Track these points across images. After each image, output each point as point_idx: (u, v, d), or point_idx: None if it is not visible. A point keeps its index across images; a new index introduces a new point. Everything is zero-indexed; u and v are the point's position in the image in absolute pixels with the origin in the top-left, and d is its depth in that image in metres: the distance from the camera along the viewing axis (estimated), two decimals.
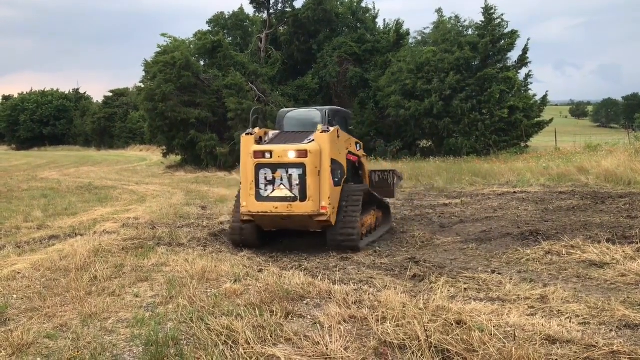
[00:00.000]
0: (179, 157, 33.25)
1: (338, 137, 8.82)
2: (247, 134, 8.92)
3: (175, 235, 9.69)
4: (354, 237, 8.42)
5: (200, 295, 5.78)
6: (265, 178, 8.41)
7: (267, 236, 9.23)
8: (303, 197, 8.19)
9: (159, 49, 30.87)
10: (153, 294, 6.08)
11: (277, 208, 8.30)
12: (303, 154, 8.25)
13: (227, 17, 36.97)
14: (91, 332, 4.83)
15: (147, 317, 5.23)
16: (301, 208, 8.21)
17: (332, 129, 8.62)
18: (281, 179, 8.34)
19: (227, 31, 36.67)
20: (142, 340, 4.60)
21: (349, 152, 9.63)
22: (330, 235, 8.56)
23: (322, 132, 8.47)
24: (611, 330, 4.53)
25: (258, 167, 8.44)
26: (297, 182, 8.25)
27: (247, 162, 8.61)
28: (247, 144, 8.76)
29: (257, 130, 9.06)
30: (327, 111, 9.35)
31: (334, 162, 8.50)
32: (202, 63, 32.48)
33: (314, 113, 9.71)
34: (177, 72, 28.35)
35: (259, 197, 8.40)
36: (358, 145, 10.39)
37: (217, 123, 29.61)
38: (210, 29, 36.04)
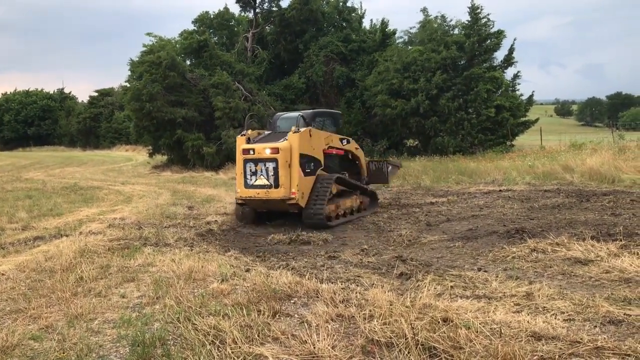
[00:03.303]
0: (165, 157, 33.12)
1: (311, 136, 11.00)
2: (242, 135, 11.43)
3: (161, 235, 9.65)
4: (321, 217, 10.59)
5: (187, 295, 5.75)
6: (250, 170, 10.94)
7: (263, 216, 11.52)
8: (277, 185, 10.62)
9: (144, 49, 30.74)
10: (139, 294, 6.05)
11: (258, 194, 10.85)
12: (275, 150, 10.64)
13: (212, 16, 36.84)
14: (77, 333, 4.79)
15: (133, 317, 5.20)
16: (275, 193, 10.64)
17: (302, 130, 10.88)
18: (261, 171, 10.80)
19: (213, 31, 36.56)
20: (129, 341, 4.58)
21: (330, 147, 11.81)
22: (303, 215, 10.79)
23: (294, 132, 10.74)
24: (595, 326, 4.57)
25: (245, 162, 10.99)
26: (272, 173, 10.66)
27: (239, 158, 11.10)
28: (240, 143, 11.22)
29: (249, 132, 11.56)
30: (302, 115, 11.78)
31: (304, 156, 10.78)
32: (188, 63, 32.37)
33: (309, 113, 11.97)
34: (163, 72, 28.23)
35: (246, 185, 10.99)
36: (345, 141, 12.52)
37: (204, 122, 29.51)
38: (195, 28, 35.90)
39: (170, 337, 4.64)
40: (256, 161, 10.81)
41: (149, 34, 31.66)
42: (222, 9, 36.93)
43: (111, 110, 65.47)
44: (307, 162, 10.87)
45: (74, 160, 41.98)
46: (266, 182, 10.70)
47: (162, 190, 18.73)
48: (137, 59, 30.95)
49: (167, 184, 21.56)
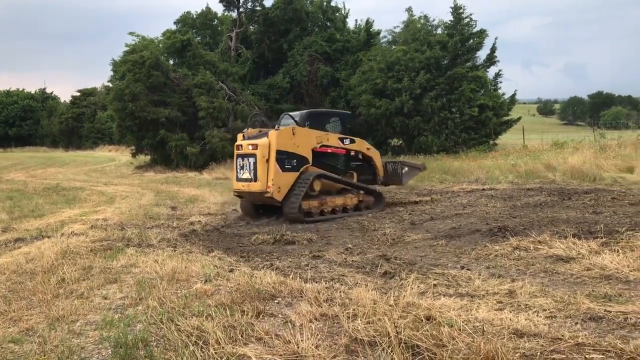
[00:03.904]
0: (148, 157, 32.94)
1: (294, 134, 11.54)
2: (242, 132, 12.39)
3: (144, 236, 9.58)
4: (294, 211, 11.23)
5: (170, 296, 5.71)
6: (239, 165, 11.83)
7: (261, 208, 12.25)
8: (255, 178, 11.38)
9: (127, 48, 30.53)
10: (122, 295, 5.99)
11: (244, 186, 11.72)
12: (255, 147, 11.39)
13: (194, 16, 36.67)
14: (58, 336, 4.74)
15: (116, 319, 5.15)
16: (254, 187, 11.44)
17: (282, 128, 11.55)
18: (246, 166, 11.59)
19: (196, 30, 36.40)
20: (111, 343, 4.53)
21: (324, 146, 12.25)
22: (283, 209, 11.44)
23: (274, 130, 11.39)
24: (576, 323, 4.60)
25: (237, 157, 11.93)
26: (252, 168, 11.41)
27: (235, 153, 12.08)
28: (238, 140, 12.17)
29: (249, 129, 12.39)
30: (290, 114, 12.39)
31: (283, 153, 11.33)
32: (171, 62, 32.22)
33: (299, 114, 12.51)
34: (146, 71, 28.08)
35: (237, 179, 11.96)
36: (347, 140, 12.97)
37: (187, 122, 29.39)
38: (178, 28, 35.73)
39: (153, 339, 4.61)
40: (243, 156, 11.67)
41: (131, 34, 31.54)
42: (204, 9, 36.79)
43: (94, 110, 64.96)
44: (286, 159, 11.38)
45: (56, 161, 41.55)
46: (249, 176, 11.53)
47: (145, 191, 18.62)
48: (120, 58, 30.72)
49: (150, 185, 21.42)
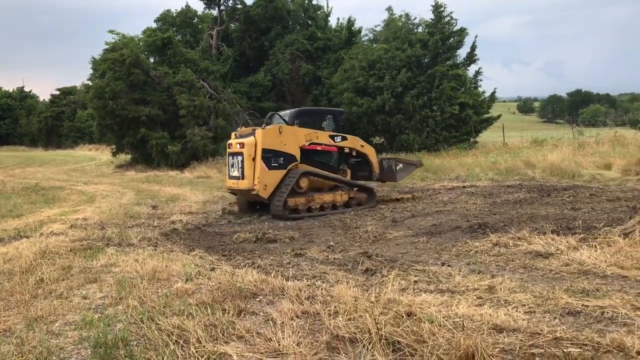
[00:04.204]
0: (129, 156, 32.68)
1: (280, 133, 11.78)
2: (234, 132, 12.80)
3: (125, 235, 9.51)
4: (279, 208, 11.45)
5: (151, 295, 5.68)
6: (230, 163, 12.20)
7: (258, 204, 12.45)
8: (243, 176, 11.68)
9: (107, 46, 30.25)
10: (102, 295, 5.94)
11: (234, 184, 12.05)
12: (242, 145, 11.69)
13: (175, 14, 36.42)
14: (36, 336, 4.68)
15: (95, 318, 5.10)
16: (242, 184, 11.74)
17: (268, 127, 11.76)
18: (235, 164, 11.91)
19: (176, 29, 36.13)
20: (91, 343, 4.49)
21: (313, 144, 12.46)
22: (270, 205, 11.73)
23: (260, 129, 11.62)
24: (555, 318, 4.66)
25: (228, 155, 12.34)
26: (240, 166, 11.72)
27: (227, 152, 12.42)
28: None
29: (242, 128, 12.87)
30: (278, 114, 12.73)
31: (269, 151, 11.58)
32: (152, 60, 31.96)
33: (288, 113, 12.78)
34: (127, 70, 27.86)
35: (229, 176, 12.32)
36: (339, 138, 13.11)
37: (168, 121, 29.20)
38: (158, 26, 35.46)
39: (133, 338, 4.57)
40: (233, 154, 12.07)
41: (111, 32, 31.19)
42: (184, 7, 36.55)
43: (74, 109, 64.22)
44: (273, 157, 11.66)
45: (35, 160, 41.02)
46: (237, 174, 11.86)
47: (126, 190, 18.46)
48: (100, 57, 30.42)
49: (131, 184, 21.26)
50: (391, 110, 28.39)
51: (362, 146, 13.67)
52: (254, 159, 11.56)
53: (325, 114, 13.85)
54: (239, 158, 11.77)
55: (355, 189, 13.14)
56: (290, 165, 11.96)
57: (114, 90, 27.45)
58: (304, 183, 12.11)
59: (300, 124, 12.56)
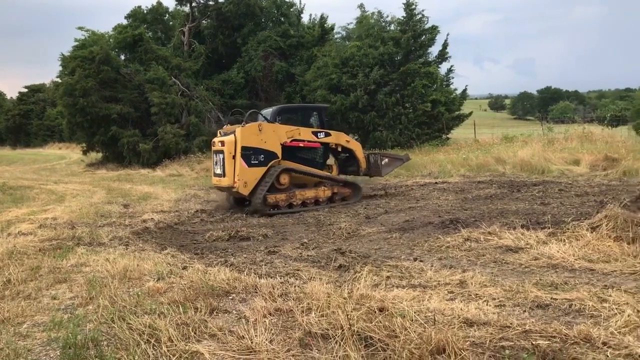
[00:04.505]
0: (100, 155, 32.22)
1: (260, 130, 11.90)
2: (220, 130, 12.93)
3: (95, 234, 9.38)
4: (258, 204, 11.66)
5: (122, 295, 5.61)
6: (214, 161, 12.37)
7: (245, 200, 12.47)
8: (224, 174, 11.85)
9: (76, 43, 29.76)
10: (72, 295, 5.85)
11: (217, 181, 12.25)
12: (222, 143, 11.82)
13: (145, 11, 35.97)
14: (3, 338, 4.58)
15: (65, 319, 5.03)
16: (224, 182, 11.93)
17: (248, 124, 11.90)
18: (218, 161, 12.08)
19: (147, 25, 35.67)
20: (60, 344, 4.42)
21: (295, 140, 12.53)
22: (251, 201, 11.94)
23: (240, 127, 11.75)
24: (524, 311, 4.74)
25: (212, 153, 12.50)
26: (222, 164, 11.88)
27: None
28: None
29: (227, 126, 13.01)
30: (258, 111, 13.17)
31: (249, 149, 11.71)
32: (122, 57, 31.52)
33: (270, 111, 13.07)
34: (97, 67, 27.49)
35: (214, 174, 12.49)
36: (322, 134, 13.12)
37: (140, 118, 28.88)
38: (129, 23, 34.96)
39: (104, 338, 4.52)
40: (216, 152, 12.27)
41: (80, 28, 30.66)
42: (155, 4, 36.11)
43: (43, 107, 63.05)
44: (253, 154, 11.79)
45: (2, 159, 40.19)
46: (220, 172, 12.06)
47: (97, 189, 18.21)
48: (69, 53, 29.90)
49: (102, 182, 20.97)
50: (364, 107, 28.47)
51: (347, 141, 13.80)
52: (234, 157, 11.69)
53: (310, 111, 14.08)
54: (221, 156, 11.92)
55: (340, 184, 13.27)
56: (272, 162, 12.08)
57: (84, 87, 27.03)
58: (285, 179, 12.30)
59: (284, 121, 12.77)
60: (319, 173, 13.03)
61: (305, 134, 12.83)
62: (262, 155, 11.94)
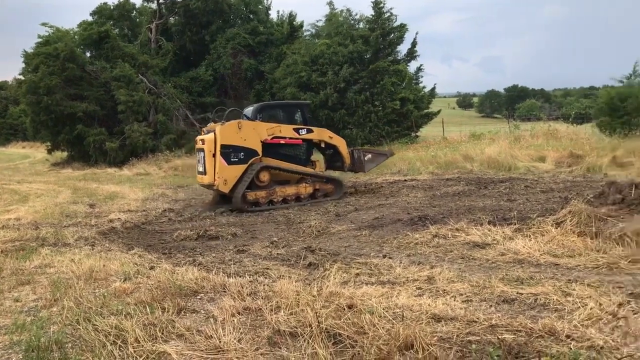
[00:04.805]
0: (65, 154, 31.57)
1: (240, 128, 12.00)
2: (204, 128, 12.94)
3: (60, 235, 9.21)
4: (237, 200, 11.79)
5: (88, 296, 5.52)
6: (197, 159, 12.54)
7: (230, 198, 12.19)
8: (205, 172, 11.98)
9: (40, 40, 29.12)
10: (35, 297, 5.73)
11: (199, 179, 12.50)
12: (203, 142, 11.94)
13: (112, 7, 35.37)
14: None
15: (28, 321, 4.92)
16: (205, 179, 12.09)
17: (228, 123, 11.98)
18: (200, 160, 12.23)
19: (114, 22, 35.08)
20: (23, 347, 4.33)
21: (275, 137, 12.57)
22: (232, 199, 11.91)
23: (220, 125, 11.88)
24: (491, 306, 4.81)
25: (197, 151, 12.61)
26: (203, 162, 12.02)
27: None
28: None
29: (211, 124, 12.73)
30: (238, 109, 13.51)
31: (229, 147, 11.81)
32: (88, 54, 30.94)
33: (251, 109, 13.24)
34: (61, 64, 26.93)
35: (198, 172, 12.57)
36: (304, 131, 13.15)
37: (106, 117, 28.39)
38: (95, 20, 34.33)
39: (69, 340, 4.43)
40: (198, 151, 12.46)
41: (44, 24, 30.00)
42: (121, 0, 35.53)
43: (5, 105, 61.46)
44: (232, 152, 11.91)
45: None
46: (202, 169, 12.21)
47: (62, 188, 17.85)
48: (32, 50, 29.24)
49: (67, 182, 20.55)
50: (334, 105, 28.52)
51: (330, 137, 13.82)
52: (214, 155, 11.79)
53: (292, 108, 14.12)
54: (202, 154, 12.06)
55: (323, 180, 13.30)
56: (252, 160, 12.16)
57: (49, 85, 26.46)
58: (265, 177, 12.39)
59: (266, 119, 12.79)
60: (300, 169, 13.03)
61: (286, 131, 12.85)
62: (242, 153, 12.02)
